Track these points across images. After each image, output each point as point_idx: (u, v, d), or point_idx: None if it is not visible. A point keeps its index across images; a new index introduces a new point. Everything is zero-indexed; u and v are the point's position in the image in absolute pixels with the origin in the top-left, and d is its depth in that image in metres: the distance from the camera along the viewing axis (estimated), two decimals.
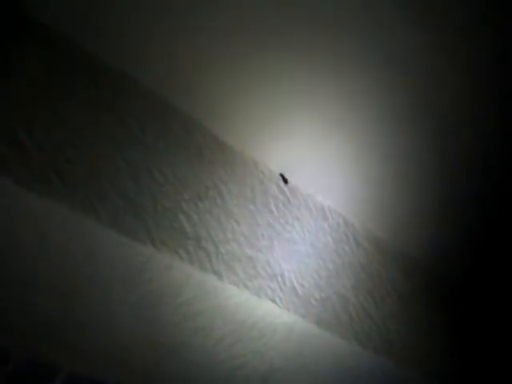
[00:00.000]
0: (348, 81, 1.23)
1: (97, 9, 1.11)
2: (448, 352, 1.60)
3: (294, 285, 1.25)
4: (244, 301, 1.17)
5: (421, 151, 1.36)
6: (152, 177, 1.13)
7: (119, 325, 1.21)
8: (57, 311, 1.20)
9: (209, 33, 1.14)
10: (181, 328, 1.21)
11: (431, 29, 1.15)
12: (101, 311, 1.17)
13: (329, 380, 1.39)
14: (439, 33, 1.16)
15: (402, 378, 1.41)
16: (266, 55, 1.18)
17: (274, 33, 1.14)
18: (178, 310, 1.17)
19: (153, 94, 1.20)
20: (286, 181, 1.30)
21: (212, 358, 1.29)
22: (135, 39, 1.15)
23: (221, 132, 1.26)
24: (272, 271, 1.22)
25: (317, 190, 1.40)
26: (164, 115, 1.20)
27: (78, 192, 1.01)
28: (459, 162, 1.38)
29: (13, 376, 1.32)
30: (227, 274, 1.15)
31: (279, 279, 1.23)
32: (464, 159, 1.37)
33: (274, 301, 1.19)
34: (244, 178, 1.27)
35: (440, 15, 1.14)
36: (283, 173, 1.34)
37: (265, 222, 1.26)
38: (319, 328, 1.26)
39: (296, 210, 1.34)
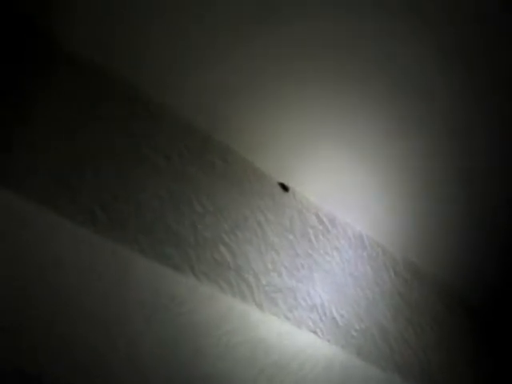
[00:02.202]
0: (386, 107, 1.23)
1: (136, 41, 1.14)
2: (489, 382, 1.56)
3: (334, 315, 1.24)
4: (285, 332, 1.16)
5: (457, 183, 1.35)
6: (193, 208, 1.14)
7: (160, 354, 1.22)
8: (100, 340, 1.22)
9: (246, 69, 1.16)
10: (221, 359, 1.21)
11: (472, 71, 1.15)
12: (143, 341, 1.18)
13: None
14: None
15: None
16: (303, 88, 1.19)
17: (315, 68, 1.16)
18: (218, 342, 1.17)
19: (193, 126, 1.22)
20: (286, 188, 1.27)
21: None
22: (175, 72, 1.17)
23: (260, 163, 1.27)
24: (312, 302, 1.22)
25: (355, 220, 1.39)
26: (204, 147, 1.21)
27: (123, 226, 1.03)
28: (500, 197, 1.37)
29: None
30: (268, 305, 1.15)
31: (319, 310, 1.22)
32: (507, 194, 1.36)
33: (314, 332, 1.19)
34: (283, 208, 1.27)
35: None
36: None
37: (304, 252, 1.26)
38: (360, 359, 1.24)
39: (335, 239, 1.34)
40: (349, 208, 1.37)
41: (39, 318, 1.13)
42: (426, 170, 1.35)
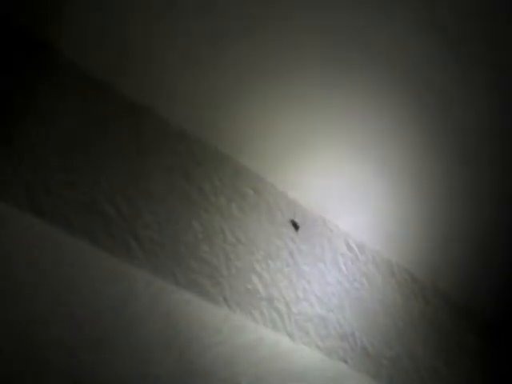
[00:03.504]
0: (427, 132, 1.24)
1: (166, 73, 1.16)
2: None
3: (365, 344, 1.24)
4: (315, 362, 1.17)
5: (490, 208, 1.35)
6: (225, 239, 1.15)
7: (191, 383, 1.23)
8: (132, 371, 1.23)
9: (274, 97, 1.18)
10: None
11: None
12: (175, 371, 1.20)
13: None
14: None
15: None
16: (329, 111, 1.20)
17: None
18: (249, 371, 1.18)
19: (224, 157, 1.23)
20: (296, 227, 1.27)
21: None
22: (206, 104, 1.19)
23: (290, 191, 1.29)
24: (343, 331, 1.22)
25: (384, 247, 1.40)
26: (235, 178, 1.23)
27: (156, 256, 1.05)
28: None
29: None
30: (299, 335, 1.15)
31: (350, 339, 1.22)
32: None
33: (345, 361, 1.19)
34: (313, 237, 1.28)
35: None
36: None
37: (335, 281, 1.26)
38: None
39: (364, 266, 1.34)
40: (377, 235, 1.38)
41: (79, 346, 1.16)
42: (451, 197, 1.35)
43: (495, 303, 1.57)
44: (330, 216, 1.33)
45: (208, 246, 1.12)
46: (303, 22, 1.06)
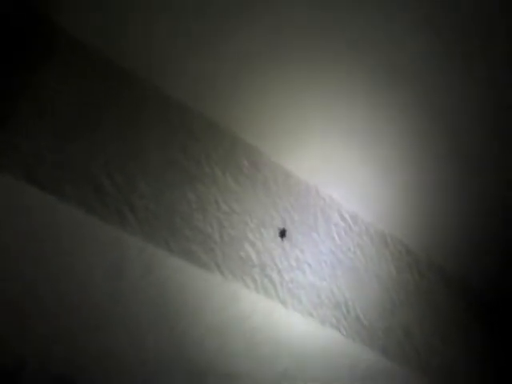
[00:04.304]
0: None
1: (167, 49, 1.16)
2: None
3: (358, 314, 1.24)
4: (309, 329, 1.17)
5: (484, 184, 1.35)
6: (219, 208, 1.15)
7: (185, 353, 1.22)
8: (124, 341, 1.23)
9: (273, 72, 1.18)
10: (245, 358, 1.21)
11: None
12: (169, 340, 1.19)
13: None
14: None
15: None
16: (327, 86, 1.20)
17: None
18: (243, 339, 1.18)
19: (220, 129, 1.23)
20: (283, 234, 1.25)
21: None
22: (205, 79, 1.19)
23: (286, 163, 1.28)
24: (336, 300, 1.22)
25: (377, 218, 1.39)
26: (231, 149, 1.23)
27: (150, 225, 1.04)
28: None
29: None
30: (292, 302, 1.15)
31: (343, 308, 1.22)
32: None
33: (338, 330, 1.19)
34: (307, 207, 1.28)
35: None
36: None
37: (328, 250, 1.26)
38: (385, 359, 1.24)
39: (357, 237, 1.34)
40: (371, 206, 1.37)
41: (64, 313, 1.15)
42: (446, 169, 1.34)
43: (491, 279, 1.57)
44: (323, 186, 1.32)
45: (202, 215, 1.12)
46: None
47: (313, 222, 1.27)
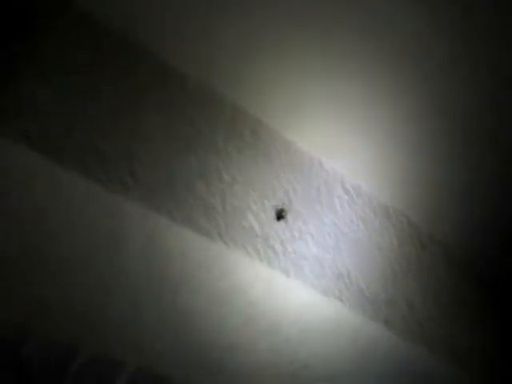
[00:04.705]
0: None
1: (173, 18, 1.15)
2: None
3: (361, 286, 1.24)
4: (311, 300, 1.17)
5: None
6: (221, 177, 1.14)
7: (186, 323, 1.23)
8: (126, 310, 1.23)
9: (275, 42, 1.16)
10: (247, 328, 1.22)
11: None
12: (170, 309, 1.20)
13: None
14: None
15: None
16: (328, 57, 1.18)
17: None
18: (245, 310, 1.18)
19: (222, 98, 1.22)
20: (280, 216, 1.22)
21: (277, 360, 1.29)
22: (208, 46, 1.17)
23: (289, 134, 1.27)
24: (338, 271, 1.22)
25: (380, 190, 1.39)
26: (233, 119, 1.22)
27: (152, 193, 1.04)
28: None
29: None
30: (295, 273, 1.15)
31: (346, 279, 1.22)
32: None
33: (341, 301, 1.19)
34: (310, 179, 1.27)
35: None
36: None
37: (331, 222, 1.26)
38: (387, 330, 1.24)
39: (360, 209, 1.33)
40: (374, 179, 1.37)
41: (70, 280, 1.15)
42: (449, 141, 1.33)
43: (493, 253, 1.57)
44: (326, 158, 1.31)
45: (204, 184, 1.11)
46: None
47: (316, 194, 1.27)
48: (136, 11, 1.12)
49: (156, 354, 1.33)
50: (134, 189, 1.03)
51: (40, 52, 1.02)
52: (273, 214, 1.18)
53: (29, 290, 1.20)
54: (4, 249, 1.10)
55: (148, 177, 1.05)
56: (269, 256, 1.12)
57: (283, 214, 1.19)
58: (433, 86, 1.24)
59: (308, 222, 1.22)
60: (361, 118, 1.28)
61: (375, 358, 1.30)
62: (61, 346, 1.37)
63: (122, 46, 1.13)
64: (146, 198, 1.03)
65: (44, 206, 1.03)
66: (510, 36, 1.17)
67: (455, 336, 1.37)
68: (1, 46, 1.01)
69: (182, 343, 1.28)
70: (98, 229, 1.07)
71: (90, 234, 1.08)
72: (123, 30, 1.13)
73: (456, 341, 1.38)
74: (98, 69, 1.08)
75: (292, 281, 1.14)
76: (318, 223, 1.24)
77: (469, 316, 1.47)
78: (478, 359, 1.42)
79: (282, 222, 1.18)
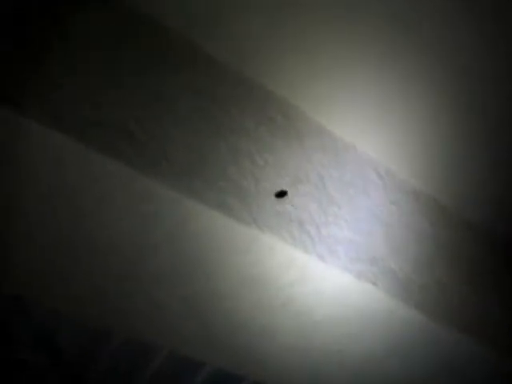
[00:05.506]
0: None
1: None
2: None
3: (394, 269, 1.24)
4: (346, 284, 1.17)
5: None
6: (253, 161, 1.14)
7: (221, 308, 1.24)
8: (159, 292, 1.24)
9: (306, 23, 1.15)
10: (282, 311, 1.22)
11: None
12: (202, 293, 1.20)
13: (429, 369, 1.37)
14: None
15: (505, 370, 1.37)
16: (360, 36, 1.17)
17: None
18: (279, 293, 1.19)
19: (253, 81, 1.21)
20: (282, 194, 1.21)
21: (309, 343, 1.29)
22: (236, 30, 1.17)
23: (321, 118, 1.27)
24: (372, 255, 1.21)
25: (412, 175, 1.38)
26: (264, 102, 1.21)
27: (185, 176, 1.04)
28: None
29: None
30: (329, 257, 1.15)
31: (379, 263, 1.22)
32: None
33: (375, 284, 1.19)
34: (343, 163, 1.27)
35: None
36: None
37: (364, 207, 1.25)
38: (419, 313, 1.24)
39: (393, 194, 1.33)
40: (407, 164, 1.36)
41: (103, 266, 1.16)
42: (478, 121, 1.32)
43: None
44: (359, 143, 1.31)
45: (236, 167, 1.11)
46: None
47: (349, 179, 1.26)
48: None
49: (188, 337, 1.35)
50: (167, 171, 1.03)
51: (69, 34, 1.02)
52: (306, 199, 1.18)
53: (61, 274, 1.21)
54: (37, 233, 1.11)
55: (180, 160, 1.05)
56: (304, 241, 1.12)
57: (284, 194, 1.17)
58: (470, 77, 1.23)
59: (342, 207, 1.22)
60: (395, 103, 1.27)
61: (408, 341, 1.30)
62: (94, 331, 1.39)
63: (149, 29, 1.13)
64: (178, 181, 1.03)
65: (75, 189, 1.04)
66: None
67: (487, 318, 1.36)
68: (30, 27, 1.01)
69: (214, 327, 1.29)
70: (130, 211, 1.07)
71: (121, 216, 1.08)
72: (150, 13, 1.13)
73: (488, 322, 1.37)
74: (128, 52, 1.08)
75: (327, 265, 1.14)
76: (351, 207, 1.23)
77: (500, 297, 1.46)
78: (508, 340, 1.41)
79: (316, 205, 1.18)
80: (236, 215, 1.07)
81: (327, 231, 1.17)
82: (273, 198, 1.14)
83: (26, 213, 1.07)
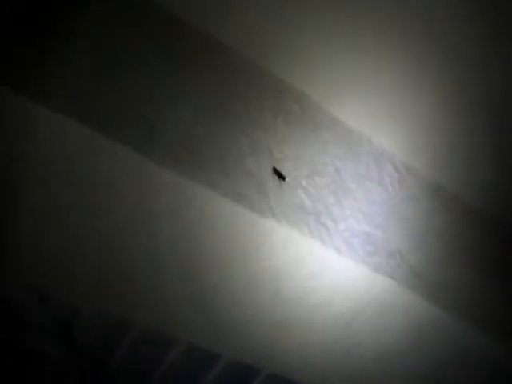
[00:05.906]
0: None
1: None
2: None
3: (412, 263, 1.23)
4: (363, 277, 1.17)
5: None
6: (271, 154, 1.14)
7: (239, 300, 1.24)
8: (176, 283, 1.24)
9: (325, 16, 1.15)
10: (299, 304, 1.22)
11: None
12: (222, 286, 1.21)
13: (447, 364, 1.36)
14: None
15: None
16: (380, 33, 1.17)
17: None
18: (297, 286, 1.19)
19: (271, 74, 1.21)
20: (282, 177, 1.17)
21: (329, 336, 1.29)
22: (252, 21, 1.17)
23: (337, 110, 1.26)
24: (390, 249, 1.21)
25: (430, 168, 1.37)
26: (281, 95, 1.21)
27: (205, 167, 1.04)
28: None
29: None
30: (346, 250, 1.15)
31: (397, 257, 1.21)
32: None
33: (392, 278, 1.18)
34: (359, 156, 1.26)
35: None
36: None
37: (381, 200, 1.25)
38: (438, 308, 1.23)
39: (410, 187, 1.32)
40: (424, 157, 1.35)
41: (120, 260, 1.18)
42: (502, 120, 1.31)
43: None
44: (375, 135, 1.30)
45: (254, 159, 1.11)
46: None
47: (365, 171, 1.26)
48: None
49: (204, 330, 1.35)
50: (187, 163, 1.03)
51: (90, 24, 1.03)
52: (323, 191, 1.17)
53: (78, 265, 1.22)
54: (58, 224, 1.13)
55: (200, 150, 1.05)
56: (321, 234, 1.12)
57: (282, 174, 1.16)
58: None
59: (359, 199, 1.21)
60: (412, 95, 1.26)
61: (425, 336, 1.30)
62: (112, 322, 1.40)
63: (169, 21, 1.13)
64: (198, 173, 1.03)
65: (94, 181, 1.05)
66: None
67: (509, 316, 1.35)
68: (49, 18, 1.02)
69: (232, 319, 1.30)
70: (149, 203, 1.08)
71: (140, 208, 1.09)
72: (167, 5, 1.13)
73: (508, 320, 1.36)
74: (148, 43, 1.08)
75: (344, 258, 1.14)
76: (368, 200, 1.23)
77: None
78: None
79: (333, 198, 1.18)
80: (254, 207, 1.08)
81: (344, 224, 1.17)
82: (290, 190, 1.14)
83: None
